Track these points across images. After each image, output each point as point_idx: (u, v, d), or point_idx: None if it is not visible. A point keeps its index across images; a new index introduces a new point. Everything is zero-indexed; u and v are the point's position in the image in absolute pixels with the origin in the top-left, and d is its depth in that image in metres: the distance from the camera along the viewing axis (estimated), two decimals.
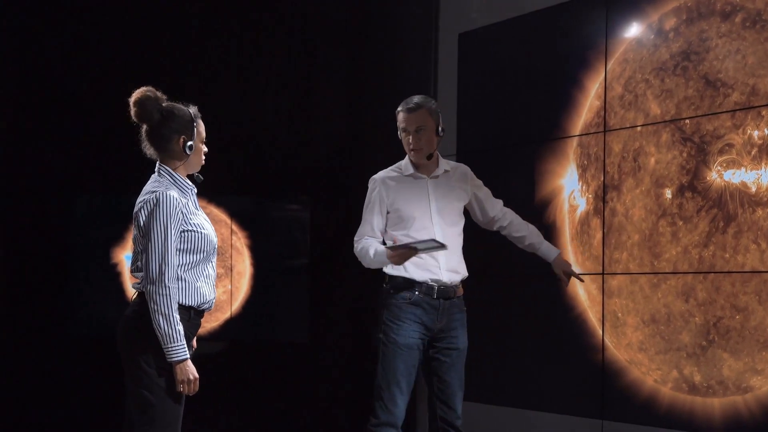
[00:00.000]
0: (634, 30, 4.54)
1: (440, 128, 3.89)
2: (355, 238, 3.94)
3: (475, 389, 5.29)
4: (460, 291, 3.95)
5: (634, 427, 4.46)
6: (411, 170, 3.93)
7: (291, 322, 6.25)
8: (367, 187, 4.03)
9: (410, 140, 3.87)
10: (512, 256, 5.12)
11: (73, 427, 6.22)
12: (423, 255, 3.78)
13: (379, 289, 3.93)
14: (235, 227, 6.26)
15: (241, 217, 6.26)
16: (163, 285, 3.17)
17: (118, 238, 6.34)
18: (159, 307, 3.16)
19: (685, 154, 4.27)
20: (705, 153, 4.18)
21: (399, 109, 3.94)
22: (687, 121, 4.25)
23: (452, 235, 3.92)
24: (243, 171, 6.17)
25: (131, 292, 3.38)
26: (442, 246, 3.67)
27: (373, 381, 3.87)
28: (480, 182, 4.10)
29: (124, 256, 6.24)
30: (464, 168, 4.08)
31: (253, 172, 6.31)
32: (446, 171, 3.98)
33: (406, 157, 3.97)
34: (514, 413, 5.05)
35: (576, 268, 4.79)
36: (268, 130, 6.30)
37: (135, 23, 6.29)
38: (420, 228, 3.86)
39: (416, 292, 3.81)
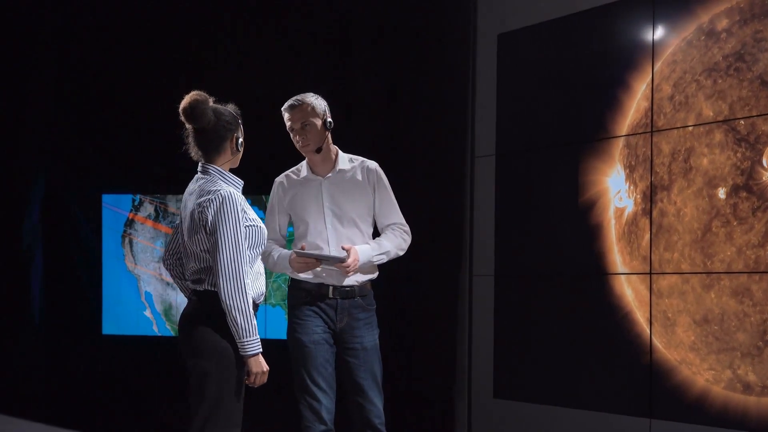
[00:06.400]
0: (682, 31, 4.55)
1: (328, 121, 3.85)
2: None
3: (523, 389, 5.30)
4: (366, 290, 3.88)
5: (683, 425, 4.46)
6: (305, 173, 3.90)
7: None
8: (386, 184, 3.98)
9: (297, 138, 3.84)
10: (560, 257, 5.15)
11: (107, 424, 6.22)
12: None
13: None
14: None
15: None
16: (241, 281, 3.18)
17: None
18: (237, 303, 3.17)
19: (739, 155, 4.28)
20: (760, 153, 4.19)
21: (282, 108, 3.88)
22: (741, 121, 4.27)
23: (351, 236, 3.84)
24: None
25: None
26: (342, 260, 3.66)
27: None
28: (385, 184, 3.94)
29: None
30: (371, 164, 3.95)
31: None
32: (342, 169, 3.88)
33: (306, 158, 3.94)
34: (561, 412, 5.05)
35: (623, 269, 4.81)
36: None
37: (168, 26, 6.29)
38: (315, 232, 3.84)
39: (312, 292, 3.80)
